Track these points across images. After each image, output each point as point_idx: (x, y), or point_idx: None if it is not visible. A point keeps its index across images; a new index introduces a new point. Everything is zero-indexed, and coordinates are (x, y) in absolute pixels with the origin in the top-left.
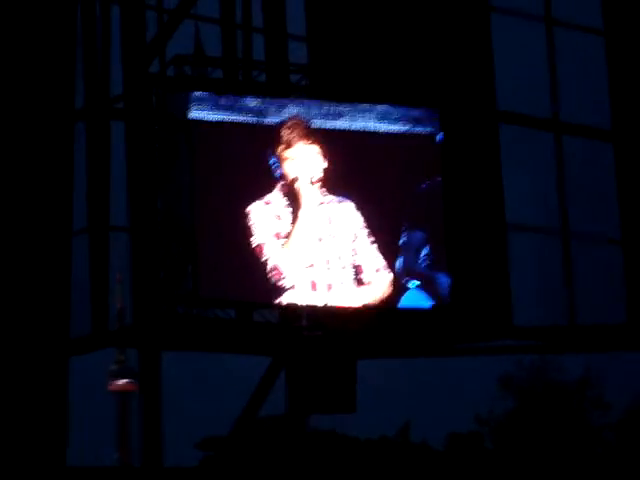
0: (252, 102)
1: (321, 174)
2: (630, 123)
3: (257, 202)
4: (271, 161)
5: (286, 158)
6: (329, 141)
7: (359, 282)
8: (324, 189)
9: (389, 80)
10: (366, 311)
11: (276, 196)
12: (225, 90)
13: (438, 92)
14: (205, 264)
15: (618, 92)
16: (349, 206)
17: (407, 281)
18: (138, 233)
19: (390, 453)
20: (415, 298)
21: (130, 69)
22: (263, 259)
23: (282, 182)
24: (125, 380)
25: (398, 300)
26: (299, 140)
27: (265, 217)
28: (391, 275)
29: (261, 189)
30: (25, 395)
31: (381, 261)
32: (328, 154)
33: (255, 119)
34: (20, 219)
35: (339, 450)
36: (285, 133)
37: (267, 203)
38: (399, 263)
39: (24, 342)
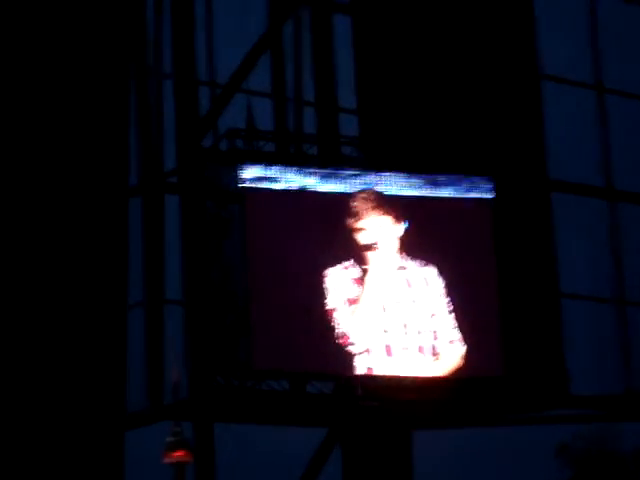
0: (305, 173)
1: (397, 241)
2: None
3: (336, 267)
4: (344, 231)
5: (358, 229)
6: (402, 208)
7: (433, 350)
8: (404, 254)
9: (441, 150)
10: (425, 381)
11: (353, 263)
12: (277, 163)
13: (490, 161)
14: (259, 335)
15: None
16: (431, 271)
17: None
18: (192, 306)
19: None
20: None
21: (183, 143)
22: (333, 324)
23: (357, 250)
24: (181, 452)
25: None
26: (371, 212)
27: (342, 282)
28: (464, 348)
29: (333, 256)
30: (82, 471)
31: (456, 333)
32: (404, 220)
33: (310, 189)
34: (77, 294)
35: None
36: (356, 205)
37: (345, 268)
38: None
39: (81, 417)
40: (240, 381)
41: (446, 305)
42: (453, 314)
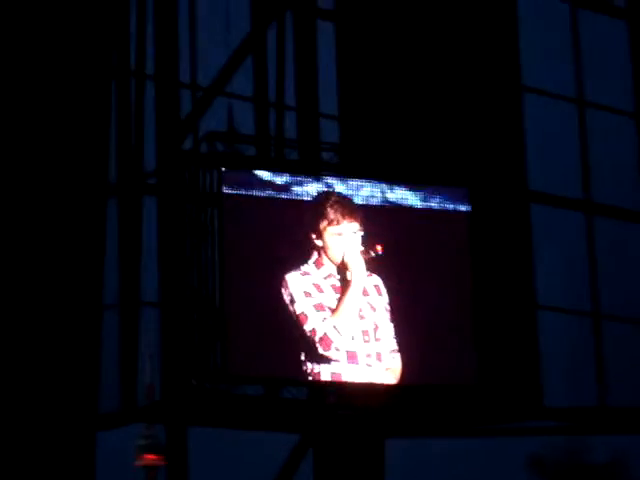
0: (283, 178)
1: (364, 249)
2: None
3: (294, 272)
4: (309, 235)
5: (331, 233)
6: (373, 217)
7: (386, 359)
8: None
9: (420, 159)
10: (398, 388)
11: (312, 268)
12: (257, 167)
13: (469, 171)
14: (235, 340)
15: None
16: (378, 280)
17: None
18: (168, 309)
19: None
20: None
21: (163, 145)
22: (308, 328)
23: (320, 255)
24: (153, 455)
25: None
26: (344, 217)
27: (305, 287)
28: (400, 358)
29: (295, 260)
30: (53, 471)
31: (394, 344)
32: (365, 229)
33: (287, 195)
34: (51, 293)
35: None
36: (329, 210)
37: (304, 274)
38: None
39: (53, 417)
40: (214, 385)
41: (388, 314)
42: (392, 323)
